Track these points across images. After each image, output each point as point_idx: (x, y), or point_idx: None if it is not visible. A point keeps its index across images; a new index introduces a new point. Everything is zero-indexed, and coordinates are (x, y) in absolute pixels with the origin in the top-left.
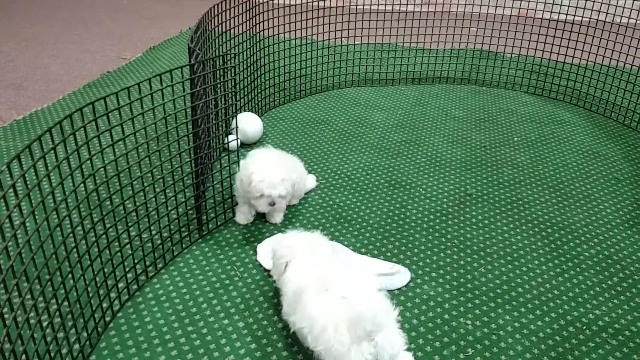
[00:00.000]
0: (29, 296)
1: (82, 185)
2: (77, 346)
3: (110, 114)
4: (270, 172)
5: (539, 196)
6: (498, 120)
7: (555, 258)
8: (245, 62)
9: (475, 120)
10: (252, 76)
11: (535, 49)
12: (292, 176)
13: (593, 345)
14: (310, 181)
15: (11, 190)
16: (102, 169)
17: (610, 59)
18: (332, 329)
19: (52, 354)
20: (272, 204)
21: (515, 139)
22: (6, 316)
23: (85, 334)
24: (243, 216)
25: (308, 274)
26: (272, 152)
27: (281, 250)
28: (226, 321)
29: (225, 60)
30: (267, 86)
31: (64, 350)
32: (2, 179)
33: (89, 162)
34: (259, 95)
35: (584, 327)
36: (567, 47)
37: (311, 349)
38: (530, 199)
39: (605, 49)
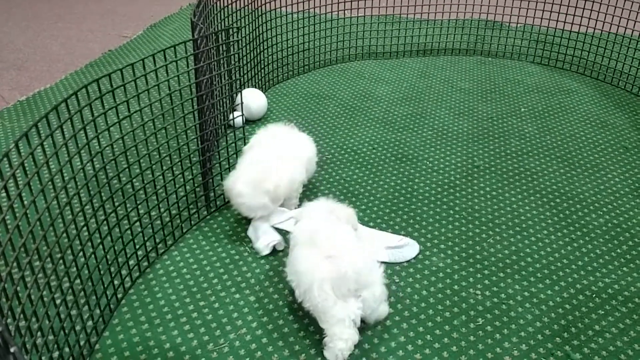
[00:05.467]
0: (41, 274)
1: (89, 164)
2: (90, 323)
3: (114, 92)
4: (247, 194)
5: (547, 166)
6: (504, 91)
7: (564, 227)
8: (247, 37)
9: (481, 92)
10: (255, 51)
11: (542, 18)
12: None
13: (603, 312)
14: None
15: (19, 169)
16: (108, 148)
17: (618, 26)
18: (316, 287)
19: (66, 331)
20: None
21: (522, 109)
22: (20, 294)
23: (98, 311)
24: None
25: (303, 230)
26: (271, 147)
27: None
28: (237, 295)
29: (229, 34)
30: (270, 61)
31: (78, 327)
32: (10, 159)
33: (94, 140)
34: (262, 71)
35: (594, 295)
36: (574, 15)
37: (299, 303)
38: (538, 169)
39: (613, 16)
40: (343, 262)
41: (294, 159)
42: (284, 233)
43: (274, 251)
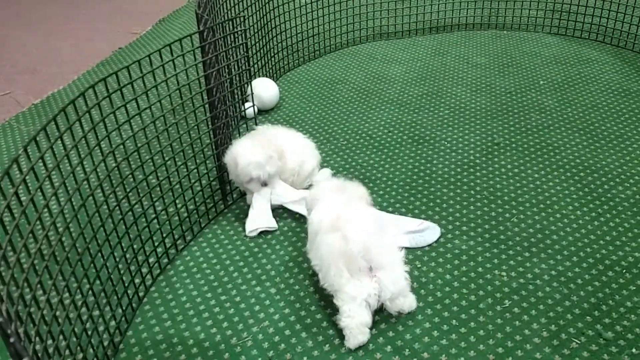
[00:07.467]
0: (60, 277)
1: (102, 163)
2: (113, 323)
3: (124, 89)
4: (254, 153)
5: (569, 140)
6: (522, 64)
7: (589, 202)
8: (255, 25)
9: (498, 66)
10: (264, 40)
11: None
12: (285, 151)
13: (634, 288)
14: (323, 173)
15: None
16: (121, 146)
17: None
18: (333, 266)
19: (89, 332)
20: (265, 184)
21: (541, 82)
22: (41, 299)
23: (120, 311)
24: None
25: (324, 216)
26: (263, 133)
27: (314, 191)
28: (258, 288)
29: (235, 24)
30: (279, 49)
31: (101, 328)
32: (20, 165)
33: (107, 139)
34: (273, 59)
35: (624, 271)
36: None
37: (321, 285)
38: (560, 143)
39: None
40: (350, 241)
41: (282, 145)
42: (295, 214)
43: (292, 242)
